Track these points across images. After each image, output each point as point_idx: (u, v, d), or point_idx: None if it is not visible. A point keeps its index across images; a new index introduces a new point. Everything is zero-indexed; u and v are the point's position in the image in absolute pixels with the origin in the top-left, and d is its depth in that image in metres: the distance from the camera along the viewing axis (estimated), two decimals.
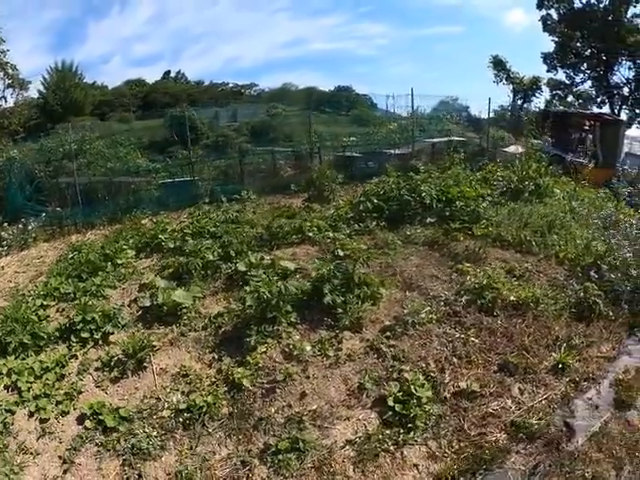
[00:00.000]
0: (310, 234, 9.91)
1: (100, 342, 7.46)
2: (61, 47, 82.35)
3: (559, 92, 38.10)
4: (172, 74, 54.72)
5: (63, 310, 8.26)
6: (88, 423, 6.16)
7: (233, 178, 16.07)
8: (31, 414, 6.37)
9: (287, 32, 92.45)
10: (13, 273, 10.44)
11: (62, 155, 15.77)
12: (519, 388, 6.08)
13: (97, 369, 7.03)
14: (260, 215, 11.58)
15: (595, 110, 32.43)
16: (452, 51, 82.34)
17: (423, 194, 10.65)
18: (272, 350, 6.73)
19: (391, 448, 5.47)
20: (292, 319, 7.15)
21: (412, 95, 18.01)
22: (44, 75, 38.83)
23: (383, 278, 8.08)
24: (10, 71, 23.91)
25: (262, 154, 18.45)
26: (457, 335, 6.89)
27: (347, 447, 5.55)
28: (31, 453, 5.94)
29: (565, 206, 11.05)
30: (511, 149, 19.05)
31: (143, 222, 12.03)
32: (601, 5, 34.16)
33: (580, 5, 34.89)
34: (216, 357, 6.94)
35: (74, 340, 7.43)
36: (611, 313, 7.19)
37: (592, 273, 7.89)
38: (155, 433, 5.91)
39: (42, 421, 6.30)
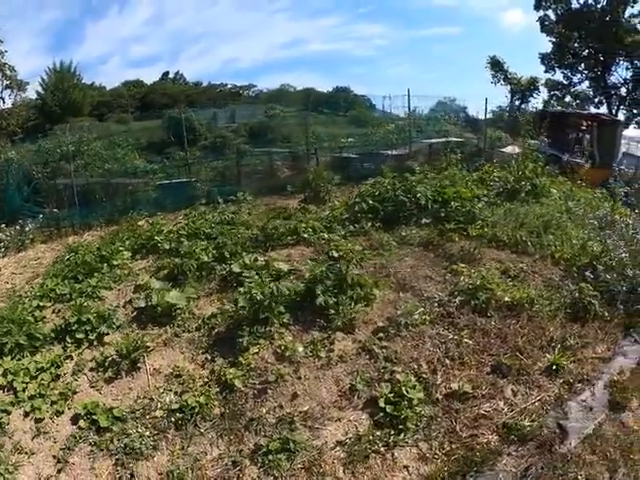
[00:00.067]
0: (305, 235, 9.93)
1: (95, 343, 7.51)
2: (59, 48, 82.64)
3: (557, 92, 38.22)
4: (170, 75, 54.99)
5: (59, 311, 8.31)
6: (82, 423, 6.23)
7: (230, 179, 16.09)
8: (26, 414, 6.43)
9: (285, 33, 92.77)
10: (10, 274, 10.49)
11: (59, 156, 15.75)
12: (512, 389, 6.06)
13: (92, 369, 7.09)
14: (256, 216, 11.60)
15: (592, 110, 32.49)
16: (450, 52, 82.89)
17: (418, 195, 10.64)
18: (264, 351, 6.76)
19: (381, 449, 5.49)
20: (285, 320, 7.18)
21: (409, 96, 17.99)
22: (42, 76, 39.02)
23: (377, 279, 8.10)
24: (8, 72, 23.99)
25: (259, 155, 18.47)
26: (450, 336, 6.89)
27: (337, 448, 5.58)
28: (26, 453, 6.00)
29: (561, 206, 11.04)
30: (508, 149, 19.05)
31: (140, 223, 12.08)
32: (599, 5, 34.28)
33: (578, 6, 35.03)
34: (209, 358, 6.99)
35: (69, 341, 7.49)
36: (607, 314, 7.16)
37: (587, 273, 7.85)
38: (148, 433, 5.97)
39: (37, 421, 6.36)
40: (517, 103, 37.28)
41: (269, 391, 6.27)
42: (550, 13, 36.37)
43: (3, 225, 12.52)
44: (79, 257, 9.63)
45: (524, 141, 17.24)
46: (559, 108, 33.29)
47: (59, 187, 14.39)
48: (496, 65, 37.32)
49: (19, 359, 7.16)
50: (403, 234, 9.85)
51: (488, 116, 21.85)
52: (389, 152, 17.88)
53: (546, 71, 38.09)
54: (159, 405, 6.32)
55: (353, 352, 6.79)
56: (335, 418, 5.93)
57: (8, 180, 14.38)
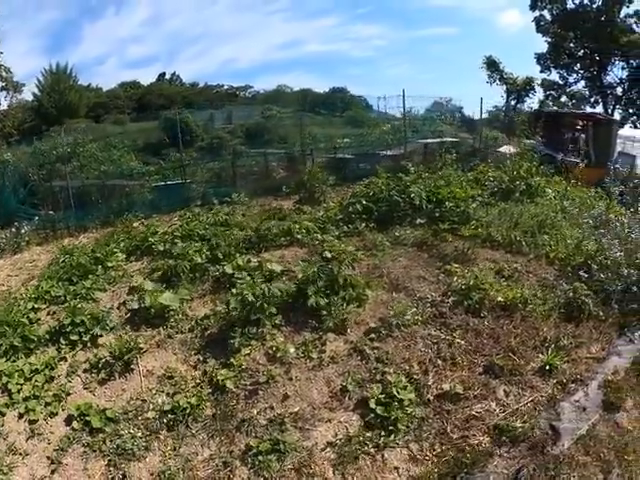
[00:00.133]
0: (299, 236, 9.92)
1: (89, 344, 7.54)
2: (56, 49, 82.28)
3: (553, 92, 38.42)
4: (167, 76, 54.87)
5: (54, 313, 8.32)
6: (75, 424, 6.29)
7: (226, 180, 16.09)
8: (21, 415, 6.48)
9: (283, 33, 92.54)
10: (6, 277, 10.51)
11: (55, 158, 15.80)
12: (504, 390, 6.03)
13: (85, 371, 7.13)
14: (250, 217, 11.57)
15: (588, 110, 32.61)
16: (447, 52, 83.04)
17: (412, 195, 10.60)
18: (256, 352, 6.79)
19: (371, 450, 5.51)
20: (277, 321, 7.20)
21: (404, 96, 18.03)
22: (39, 77, 38.98)
23: (369, 280, 8.10)
24: (4, 74, 24.04)
25: (255, 156, 18.49)
26: (442, 337, 6.87)
27: (328, 449, 5.61)
28: (20, 454, 6.06)
29: (556, 206, 10.95)
30: (503, 149, 19.10)
31: (135, 225, 12.07)
32: (594, 5, 34.47)
33: (573, 6, 35.26)
34: (201, 359, 7.03)
35: (63, 342, 7.52)
36: (601, 313, 7.10)
37: (582, 273, 7.79)
38: (140, 434, 6.02)
39: (31, 422, 6.41)
40: (513, 103, 37.43)
41: (260, 392, 6.30)
42: (546, 13, 36.69)
43: None
44: (74, 259, 9.63)
45: (519, 141, 17.28)
46: (555, 108, 33.40)
47: (55, 189, 14.46)
48: (492, 65, 37.44)
49: (14, 361, 7.20)
50: (397, 234, 9.84)
51: (484, 116, 21.89)
52: (385, 152, 17.92)
53: (542, 71, 38.39)
54: (151, 406, 6.37)
55: (344, 353, 6.80)
56: (326, 419, 5.96)
57: (4, 182, 14.45)
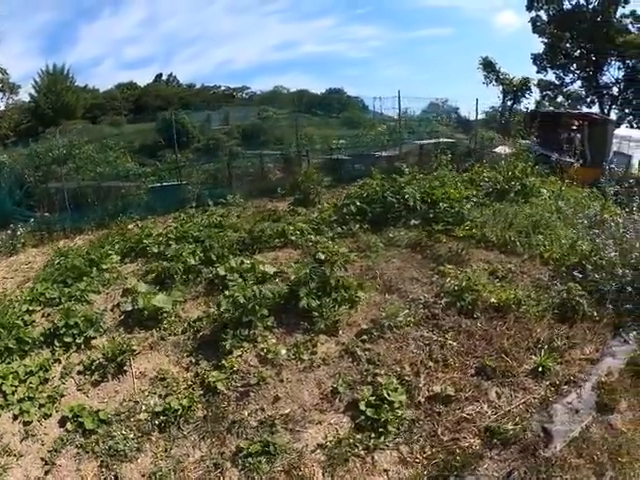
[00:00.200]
0: (293, 238, 9.96)
1: (82, 346, 7.60)
2: (53, 50, 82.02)
3: (549, 93, 38.56)
4: (164, 77, 54.86)
5: (48, 315, 8.36)
6: (69, 425, 6.36)
7: (222, 182, 16.06)
8: (15, 417, 6.53)
9: (279, 35, 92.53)
10: (1, 279, 10.52)
11: (51, 160, 15.77)
12: (496, 392, 6.00)
13: (79, 373, 7.18)
14: (244, 219, 11.62)
15: (584, 110, 32.65)
16: (443, 53, 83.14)
17: (407, 196, 10.62)
18: (247, 354, 6.83)
19: (361, 453, 5.51)
20: (268, 323, 7.23)
21: (399, 97, 18.08)
22: (35, 78, 38.85)
23: (362, 281, 8.11)
24: (0, 75, 23.92)
25: (251, 157, 18.51)
26: (434, 338, 6.86)
27: (318, 451, 5.63)
28: (14, 455, 6.12)
29: (551, 206, 10.93)
30: (499, 150, 19.13)
31: (130, 227, 12.10)
32: (590, 6, 34.61)
33: (569, 6, 35.37)
34: (193, 361, 7.06)
35: (57, 345, 7.58)
36: (595, 314, 7.03)
37: (576, 273, 7.75)
38: (132, 435, 6.07)
39: (25, 424, 6.47)
40: (509, 104, 37.45)
41: (251, 394, 6.34)
42: (542, 14, 36.83)
43: None
44: (69, 261, 9.67)
45: (514, 141, 17.29)
46: (551, 108, 33.48)
47: (51, 191, 14.39)
48: (488, 66, 37.47)
49: (8, 363, 7.26)
50: (391, 235, 9.84)
51: (481, 117, 21.94)
52: (380, 153, 17.93)
53: (538, 71, 38.54)
54: (143, 408, 6.42)
55: (336, 355, 6.82)
56: (316, 421, 5.98)
57: (0, 184, 14.43)
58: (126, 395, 6.72)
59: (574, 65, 37.41)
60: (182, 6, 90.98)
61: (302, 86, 61.49)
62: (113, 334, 7.78)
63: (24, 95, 33.85)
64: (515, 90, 36.94)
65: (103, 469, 5.80)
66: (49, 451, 6.13)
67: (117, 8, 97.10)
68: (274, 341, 6.99)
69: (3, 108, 25.03)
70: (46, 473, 5.93)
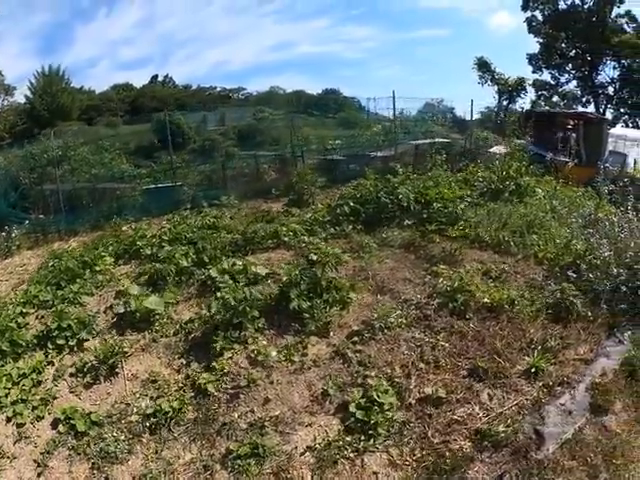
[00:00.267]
0: (286, 239, 9.97)
1: (75, 349, 7.65)
2: (48, 51, 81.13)
3: (544, 92, 38.55)
4: (160, 78, 54.73)
5: (42, 317, 8.40)
6: (61, 428, 6.41)
7: (217, 183, 16.03)
8: (8, 419, 6.58)
9: (275, 35, 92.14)
10: None
11: (46, 162, 15.73)
12: (488, 394, 5.96)
13: (71, 375, 7.23)
14: (238, 220, 11.64)
15: (579, 109, 32.71)
16: (439, 54, 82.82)
17: (400, 196, 10.62)
18: (238, 356, 6.86)
19: (351, 455, 5.52)
20: (259, 325, 7.26)
21: (394, 97, 18.08)
22: (31, 80, 38.70)
23: (354, 282, 8.13)
24: None
25: (246, 158, 18.46)
26: (426, 339, 6.84)
27: (307, 453, 5.65)
28: (8, 457, 6.18)
29: (545, 205, 10.94)
30: (494, 149, 19.16)
31: (124, 229, 12.08)
32: (585, 6, 34.62)
33: (565, 6, 35.41)
34: (185, 363, 7.10)
35: (50, 347, 7.63)
36: (590, 314, 6.96)
37: (570, 273, 7.71)
38: (123, 437, 6.13)
39: (19, 426, 6.52)
40: (505, 104, 37.52)
41: (241, 396, 6.37)
42: (537, 14, 36.85)
43: None
44: (62, 263, 9.68)
45: (509, 141, 17.31)
46: (546, 108, 33.53)
47: (46, 193, 14.39)
48: (483, 66, 37.48)
49: (2, 365, 7.31)
50: (384, 236, 9.83)
51: (477, 117, 21.94)
52: (375, 154, 17.89)
53: (534, 71, 38.54)
54: (135, 410, 6.47)
55: (327, 356, 6.83)
56: (306, 423, 5.99)
57: None
58: (118, 397, 6.76)
59: (569, 65, 37.46)
60: (178, 7, 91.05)
61: (298, 87, 61.43)
62: (105, 336, 7.81)
63: (19, 97, 33.88)
64: (510, 90, 37.00)
65: (94, 471, 5.85)
66: (42, 453, 6.18)
67: (112, 9, 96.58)
68: (265, 343, 7.01)
69: None
70: (39, 475, 5.98)
